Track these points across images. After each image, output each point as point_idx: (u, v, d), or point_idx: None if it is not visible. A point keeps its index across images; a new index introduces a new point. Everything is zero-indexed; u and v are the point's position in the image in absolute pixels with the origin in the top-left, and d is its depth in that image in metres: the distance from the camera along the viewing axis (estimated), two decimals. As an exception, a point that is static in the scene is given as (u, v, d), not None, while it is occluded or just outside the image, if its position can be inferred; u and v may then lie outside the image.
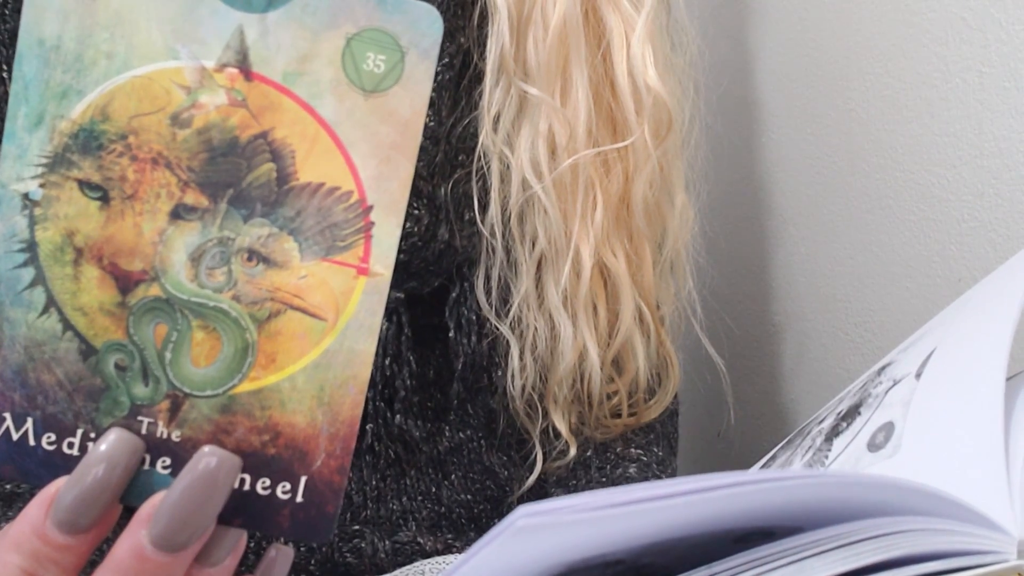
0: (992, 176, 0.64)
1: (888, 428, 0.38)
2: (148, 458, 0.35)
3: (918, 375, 0.39)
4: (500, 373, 0.65)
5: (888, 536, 0.30)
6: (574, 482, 0.67)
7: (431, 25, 0.34)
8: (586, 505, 0.29)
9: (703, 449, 0.96)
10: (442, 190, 0.61)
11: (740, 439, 0.91)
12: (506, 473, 0.68)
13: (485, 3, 0.60)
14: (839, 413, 0.43)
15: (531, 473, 0.66)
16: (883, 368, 0.44)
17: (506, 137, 0.60)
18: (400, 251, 0.35)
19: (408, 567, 0.62)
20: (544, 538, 0.31)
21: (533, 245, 0.61)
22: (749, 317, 0.90)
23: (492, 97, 0.59)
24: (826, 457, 0.41)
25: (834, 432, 0.42)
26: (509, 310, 0.63)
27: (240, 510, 0.35)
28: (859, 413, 0.41)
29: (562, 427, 0.65)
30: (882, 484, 0.31)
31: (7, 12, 0.54)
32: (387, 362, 0.62)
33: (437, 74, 0.59)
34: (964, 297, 0.44)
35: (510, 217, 0.61)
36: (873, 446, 0.38)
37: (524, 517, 0.29)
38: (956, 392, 0.37)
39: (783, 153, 0.83)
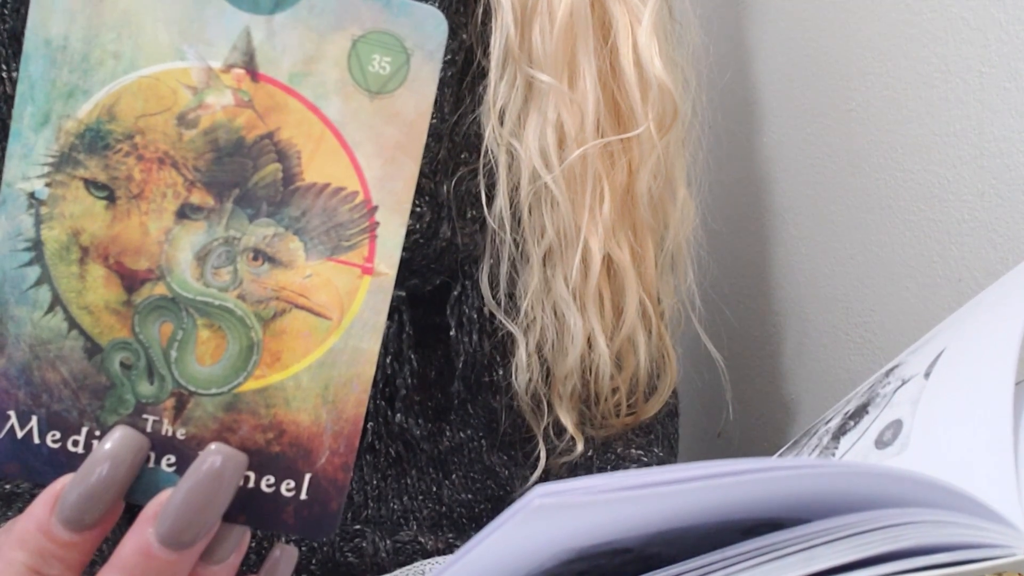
0: (992, 176, 0.64)
1: (896, 426, 0.38)
2: (153, 456, 0.35)
3: (927, 375, 0.40)
4: (502, 372, 0.65)
5: (897, 527, 0.30)
6: None
7: (436, 27, 0.34)
8: (603, 487, 0.29)
9: (702, 447, 0.96)
10: (444, 187, 0.61)
11: (739, 438, 0.91)
12: (507, 472, 0.68)
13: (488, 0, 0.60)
14: (846, 413, 0.43)
15: (533, 471, 0.66)
16: (891, 369, 0.44)
17: (513, 129, 0.59)
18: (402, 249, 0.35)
19: (409, 567, 0.62)
20: (558, 520, 0.30)
21: (541, 238, 0.61)
22: (749, 315, 0.90)
23: (497, 91, 0.59)
24: (833, 455, 0.41)
25: (841, 431, 0.42)
26: (516, 304, 0.62)
27: (244, 507, 0.35)
28: (867, 412, 0.42)
29: (567, 422, 0.65)
30: (893, 475, 0.31)
31: (6, 12, 0.54)
32: (388, 360, 0.62)
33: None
34: (974, 300, 0.44)
35: (518, 210, 0.61)
36: (881, 443, 0.38)
37: (541, 497, 0.29)
38: (965, 390, 0.37)
39: (783, 152, 0.83)
